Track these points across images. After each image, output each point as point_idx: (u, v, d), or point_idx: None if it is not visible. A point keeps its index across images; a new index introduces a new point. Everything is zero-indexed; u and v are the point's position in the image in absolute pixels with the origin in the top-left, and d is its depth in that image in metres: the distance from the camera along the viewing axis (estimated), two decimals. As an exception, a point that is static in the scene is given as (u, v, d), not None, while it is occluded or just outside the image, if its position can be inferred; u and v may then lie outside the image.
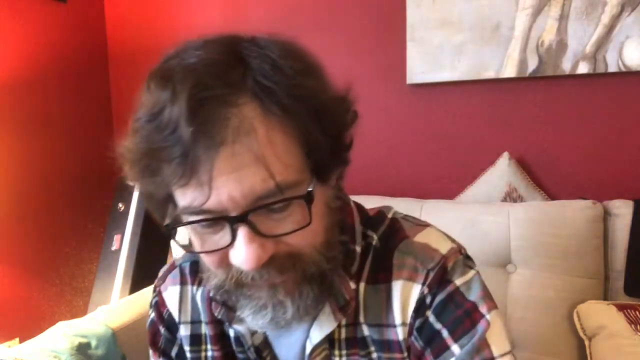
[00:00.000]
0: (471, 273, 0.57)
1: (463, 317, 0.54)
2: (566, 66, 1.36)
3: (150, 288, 1.52)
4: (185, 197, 0.46)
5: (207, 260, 0.51)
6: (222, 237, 0.48)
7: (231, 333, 0.62)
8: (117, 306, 1.32)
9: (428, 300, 0.55)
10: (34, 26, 1.69)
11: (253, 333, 0.61)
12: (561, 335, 1.19)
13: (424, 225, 0.61)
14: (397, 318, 0.57)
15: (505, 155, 1.43)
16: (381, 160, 1.61)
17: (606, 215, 1.25)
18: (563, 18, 1.35)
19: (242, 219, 0.45)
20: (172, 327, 0.67)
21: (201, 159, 0.43)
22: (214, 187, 0.44)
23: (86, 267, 1.88)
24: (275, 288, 0.50)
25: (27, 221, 1.67)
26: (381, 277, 0.58)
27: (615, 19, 1.30)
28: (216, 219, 0.46)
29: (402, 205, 1.42)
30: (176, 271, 0.67)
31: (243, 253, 0.46)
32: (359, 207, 0.64)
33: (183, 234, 0.51)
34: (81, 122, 1.87)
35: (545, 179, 1.45)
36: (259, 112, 0.45)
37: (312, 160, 0.48)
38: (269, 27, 1.95)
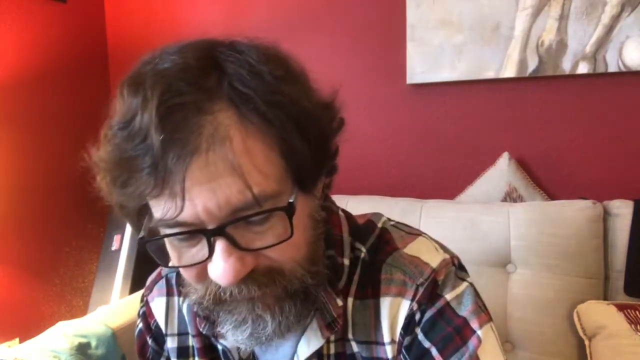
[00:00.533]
0: (463, 286, 0.55)
1: (453, 334, 0.52)
2: (566, 66, 1.36)
3: (150, 288, 1.51)
4: (158, 209, 0.43)
5: (186, 275, 0.49)
6: (199, 250, 0.46)
7: (219, 346, 0.60)
8: (117, 306, 1.32)
9: (417, 316, 0.53)
10: (34, 26, 1.69)
11: (239, 347, 0.58)
12: (561, 335, 1.19)
13: (416, 234, 0.59)
14: (386, 336, 0.55)
15: (505, 155, 1.43)
16: (381, 160, 1.61)
17: (606, 215, 1.24)
18: (563, 18, 1.35)
19: (219, 232, 0.43)
20: (159, 338, 0.65)
21: (173, 169, 0.41)
22: (188, 198, 0.42)
23: (86, 267, 1.88)
24: (253, 302, 0.47)
25: (27, 221, 1.67)
26: (369, 292, 0.56)
27: (615, 19, 1.30)
28: (192, 232, 0.44)
29: (402, 205, 1.43)
30: (162, 281, 0.66)
31: (220, 268, 0.43)
32: (348, 216, 0.61)
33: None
34: (81, 122, 1.87)
35: (545, 179, 1.45)
36: (235, 120, 0.42)
37: (293, 169, 0.45)
38: (269, 26, 1.96)
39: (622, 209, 1.23)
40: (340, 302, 0.54)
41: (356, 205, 1.36)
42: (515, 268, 1.26)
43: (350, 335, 0.56)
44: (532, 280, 1.23)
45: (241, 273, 0.44)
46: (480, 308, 0.55)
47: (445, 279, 0.54)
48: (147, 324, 0.66)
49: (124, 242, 1.70)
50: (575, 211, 1.23)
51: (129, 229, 1.71)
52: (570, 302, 1.19)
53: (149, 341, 0.66)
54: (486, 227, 1.27)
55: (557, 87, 1.41)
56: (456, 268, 0.57)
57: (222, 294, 0.47)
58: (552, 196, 1.42)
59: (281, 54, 0.48)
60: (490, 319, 0.55)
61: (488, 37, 1.43)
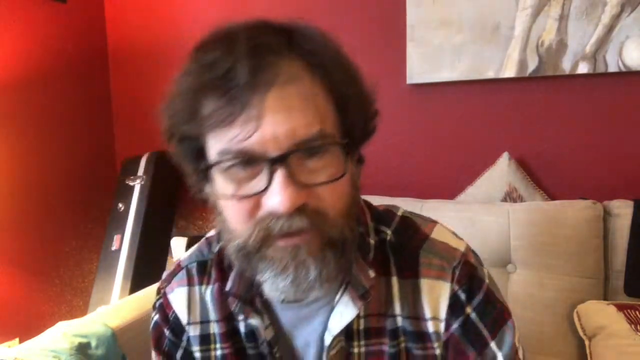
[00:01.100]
0: (485, 269, 0.63)
1: (497, 318, 0.59)
2: (566, 66, 1.36)
3: (151, 287, 1.53)
4: (226, 137, 0.48)
5: (236, 213, 0.51)
6: (257, 182, 0.49)
7: (242, 328, 0.62)
8: (117, 306, 1.32)
9: (462, 296, 0.59)
10: (34, 26, 1.69)
11: (267, 327, 0.61)
12: (561, 335, 1.19)
13: (432, 221, 0.65)
14: (427, 312, 0.59)
15: (505, 155, 1.43)
16: (381, 160, 1.61)
17: (606, 215, 1.24)
18: (563, 18, 1.35)
19: (281, 159, 0.47)
20: (177, 329, 0.66)
21: (253, 95, 0.46)
22: (261, 123, 0.47)
23: (86, 267, 1.88)
24: (298, 248, 0.50)
25: (27, 221, 1.67)
26: (407, 273, 0.60)
27: (615, 19, 1.30)
28: (257, 159, 0.48)
29: (402, 205, 1.43)
30: (182, 272, 0.66)
31: (278, 195, 0.47)
32: (368, 204, 0.66)
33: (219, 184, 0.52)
34: (81, 122, 1.87)
35: (545, 179, 1.45)
36: (305, 67, 0.50)
37: (344, 126, 0.52)
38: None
39: (622, 209, 1.23)
40: (372, 274, 0.59)
41: (356, 205, 1.36)
42: (515, 268, 1.26)
43: (397, 311, 0.60)
44: (532, 280, 1.23)
45: (297, 202, 0.47)
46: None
47: (475, 262, 0.61)
48: (164, 316, 0.66)
49: (124, 242, 1.70)
50: (575, 211, 1.23)
51: (129, 229, 1.71)
52: (570, 302, 1.19)
53: (166, 332, 0.66)
54: (486, 227, 1.27)
55: (557, 87, 1.41)
56: (472, 252, 0.64)
57: (272, 228, 0.49)
58: (552, 196, 1.42)
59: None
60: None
61: (488, 37, 1.43)
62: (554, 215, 1.24)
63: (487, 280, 0.61)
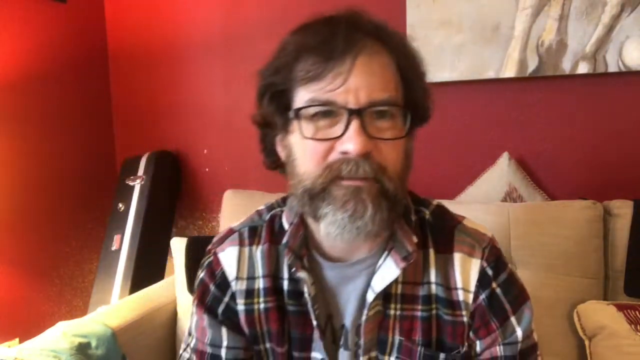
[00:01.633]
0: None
1: (518, 296, 0.69)
2: (566, 66, 1.36)
3: (151, 287, 1.53)
4: (317, 86, 0.59)
5: (312, 154, 0.61)
6: (334, 130, 0.60)
7: (285, 287, 0.70)
8: (117, 306, 1.32)
9: (490, 272, 0.68)
10: (34, 26, 1.69)
11: (312, 282, 0.67)
12: (561, 335, 1.19)
13: (462, 215, 0.75)
14: (459, 282, 0.68)
15: (505, 155, 1.43)
16: (381, 160, 1.60)
17: (606, 215, 1.24)
18: (563, 18, 1.35)
19: (358, 112, 0.58)
20: (222, 285, 0.72)
21: (345, 58, 0.58)
22: (348, 79, 0.58)
23: (86, 267, 1.88)
24: (360, 190, 0.59)
25: (27, 221, 1.67)
26: (443, 248, 0.70)
27: (615, 19, 1.30)
28: (337, 109, 0.59)
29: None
30: (234, 235, 0.74)
31: (352, 139, 0.58)
32: (409, 190, 0.74)
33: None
34: (81, 122, 1.87)
35: (545, 179, 1.45)
36: (385, 49, 0.62)
37: (408, 105, 0.63)
38: (269, 26, 1.95)
39: (622, 209, 1.23)
40: (415, 239, 0.67)
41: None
42: (515, 268, 1.26)
43: (432, 279, 0.69)
44: (532, 280, 1.23)
45: (366, 148, 0.58)
46: None
47: (500, 249, 0.71)
48: (211, 273, 0.73)
49: (124, 242, 1.70)
50: (575, 211, 1.23)
51: (129, 229, 1.71)
52: (570, 302, 1.19)
53: (211, 288, 0.72)
54: (486, 227, 1.27)
55: (557, 87, 1.41)
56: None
57: (340, 171, 0.59)
58: (552, 196, 1.42)
59: None
60: None
61: (488, 37, 1.43)
62: (554, 215, 1.24)
63: (509, 265, 0.71)
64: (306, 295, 0.67)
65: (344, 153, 0.59)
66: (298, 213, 0.69)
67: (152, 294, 1.41)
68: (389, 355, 0.68)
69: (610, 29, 1.31)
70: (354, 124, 0.58)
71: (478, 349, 0.69)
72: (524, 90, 1.44)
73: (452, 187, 1.52)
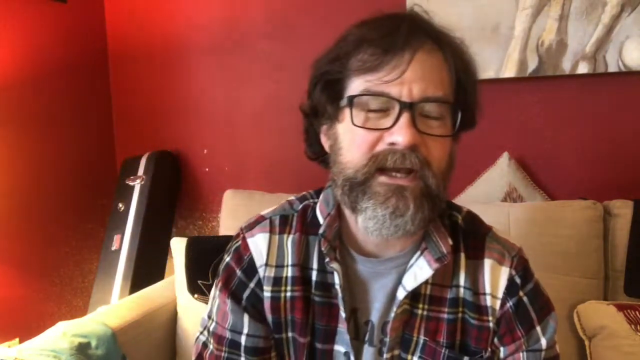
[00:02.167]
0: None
1: (543, 307, 0.71)
2: (566, 66, 1.36)
3: (151, 287, 1.53)
4: (373, 77, 0.60)
5: (360, 143, 0.61)
6: (384, 121, 0.61)
7: (314, 277, 0.70)
8: (117, 306, 1.32)
9: (518, 281, 0.70)
10: (34, 26, 1.69)
11: (344, 273, 0.68)
12: (561, 335, 1.19)
13: (490, 224, 0.77)
14: (487, 288, 0.69)
15: (505, 155, 1.43)
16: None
17: (606, 215, 1.24)
18: (563, 18, 1.35)
19: (410, 106, 0.59)
20: (249, 270, 0.72)
21: (405, 52, 0.60)
22: (404, 72, 0.59)
23: (86, 267, 1.88)
24: (403, 188, 0.60)
25: (27, 221, 1.67)
26: (473, 253, 0.71)
27: (615, 19, 1.30)
28: (389, 101, 0.60)
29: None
30: (265, 222, 0.74)
31: (401, 131, 0.59)
32: None
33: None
34: (81, 122, 1.87)
35: (545, 179, 1.45)
36: (442, 49, 0.63)
37: (459, 106, 0.64)
38: (269, 26, 1.95)
39: (622, 209, 1.23)
40: (450, 241, 0.68)
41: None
42: (515, 268, 1.26)
43: (461, 283, 0.69)
44: (532, 280, 1.23)
45: (414, 140, 0.59)
46: None
47: (527, 260, 0.73)
48: (238, 257, 0.73)
49: (124, 242, 1.70)
50: (575, 211, 1.23)
51: (129, 229, 1.71)
52: (570, 302, 1.19)
53: (238, 273, 0.72)
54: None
55: (557, 87, 1.41)
56: None
57: (386, 161, 0.60)
58: (552, 196, 1.42)
59: None
60: None
61: (488, 37, 1.42)
62: (554, 215, 1.24)
63: (535, 276, 0.72)
64: (337, 286, 0.68)
65: (392, 144, 0.60)
66: (335, 204, 0.70)
67: (152, 294, 1.41)
68: (413, 354, 0.69)
69: (610, 29, 1.31)
70: (405, 117, 0.59)
71: (502, 355, 0.70)
72: (524, 90, 1.44)
73: (452, 187, 1.49)
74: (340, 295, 0.68)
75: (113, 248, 1.71)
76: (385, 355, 0.68)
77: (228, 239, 0.79)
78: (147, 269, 1.68)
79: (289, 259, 0.71)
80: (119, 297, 1.60)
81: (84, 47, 1.87)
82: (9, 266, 1.61)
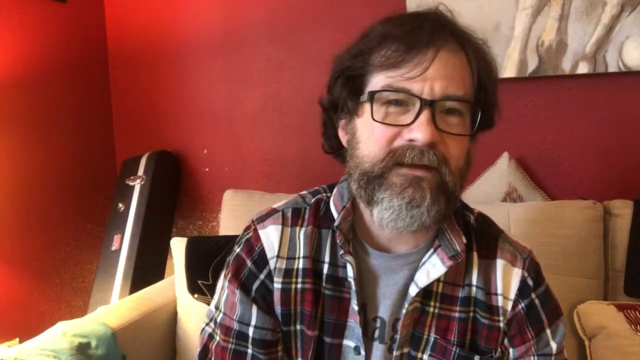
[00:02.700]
0: None
1: (554, 310, 0.71)
2: (566, 66, 1.36)
3: (151, 287, 1.52)
4: (395, 73, 0.60)
5: (378, 137, 0.62)
6: (404, 117, 0.61)
7: (325, 271, 0.70)
8: (117, 306, 1.32)
9: (530, 283, 0.70)
10: (34, 26, 1.69)
11: (356, 267, 0.68)
12: (561, 335, 1.19)
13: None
14: (499, 288, 0.70)
15: (505, 155, 1.43)
16: (381, 160, 1.60)
17: (606, 215, 1.24)
18: (563, 18, 1.35)
19: (431, 103, 0.59)
20: (260, 261, 0.72)
21: (428, 50, 0.60)
22: (427, 70, 0.59)
23: (86, 267, 1.88)
24: (420, 179, 0.60)
25: (27, 221, 1.67)
26: (486, 253, 0.71)
27: (615, 19, 1.30)
28: (410, 98, 0.60)
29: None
30: (278, 214, 0.74)
31: (422, 127, 0.59)
32: None
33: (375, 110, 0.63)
34: (81, 122, 1.87)
35: (545, 179, 1.45)
36: (465, 49, 0.64)
37: (478, 108, 0.64)
38: (269, 26, 1.95)
39: (622, 209, 1.23)
40: (464, 239, 0.69)
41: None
42: (515, 268, 1.26)
43: (473, 282, 0.70)
44: (532, 280, 1.23)
45: (434, 138, 0.59)
46: None
47: (539, 263, 0.73)
48: (249, 248, 0.73)
49: (124, 242, 1.70)
50: (575, 211, 1.23)
51: (129, 229, 1.71)
52: (570, 302, 1.19)
53: (248, 264, 0.72)
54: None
55: (557, 87, 1.41)
56: None
57: (404, 157, 0.60)
58: (552, 196, 1.42)
59: None
60: None
61: (488, 37, 1.41)
62: (554, 215, 1.24)
63: (547, 281, 0.72)
64: (350, 279, 0.68)
65: (411, 141, 0.60)
66: (350, 198, 0.70)
67: (152, 294, 1.41)
68: (423, 352, 0.69)
69: (610, 29, 1.31)
70: (425, 114, 0.59)
71: (511, 356, 0.70)
72: (524, 90, 1.44)
73: (452, 187, 1.52)
74: (353, 288, 0.68)
75: (113, 248, 1.71)
76: (395, 353, 0.68)
77: (228, 239, 0.79)
78: (147, 269, 1.68)
79: (300, 251, 0.71)
80: (119, 297, 1.60)
81: (84, 47, 1.87)
82: (9, 266, 1.61)
